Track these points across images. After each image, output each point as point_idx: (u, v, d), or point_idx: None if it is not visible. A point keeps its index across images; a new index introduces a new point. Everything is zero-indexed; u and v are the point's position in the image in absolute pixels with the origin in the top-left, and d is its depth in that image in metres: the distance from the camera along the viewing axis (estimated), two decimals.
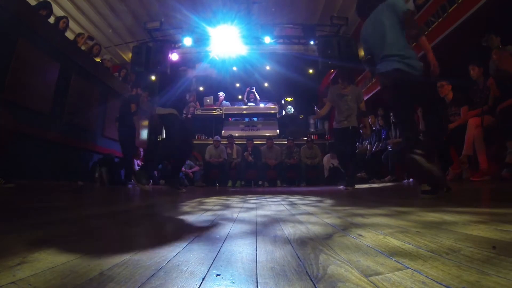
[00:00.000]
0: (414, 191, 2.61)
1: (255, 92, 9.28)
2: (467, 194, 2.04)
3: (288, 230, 0.84)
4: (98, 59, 5.62)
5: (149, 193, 3.19)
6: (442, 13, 3.93)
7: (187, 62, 8.27)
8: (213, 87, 9.75)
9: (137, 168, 5.50)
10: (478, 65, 3.32)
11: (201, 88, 10.22)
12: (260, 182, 6.22)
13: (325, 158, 6.42)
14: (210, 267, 0.49)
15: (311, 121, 8.73)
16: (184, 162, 4.96)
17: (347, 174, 3.76)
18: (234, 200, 2.11)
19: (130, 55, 7.11)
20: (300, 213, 1.24)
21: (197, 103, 9.10)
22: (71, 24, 5.64)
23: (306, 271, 0.46)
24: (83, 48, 5.09)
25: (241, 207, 1.54)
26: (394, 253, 0.55)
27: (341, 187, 3.74)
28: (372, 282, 0.40)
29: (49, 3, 4.38)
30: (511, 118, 2.73)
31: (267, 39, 6.86)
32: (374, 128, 5.66)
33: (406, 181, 3.37)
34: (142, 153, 5.88)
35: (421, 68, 1.86)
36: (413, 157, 1.62)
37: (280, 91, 9.79)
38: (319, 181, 6.31)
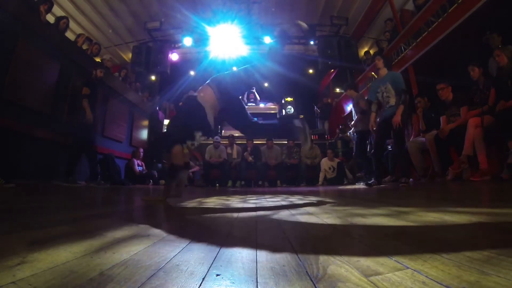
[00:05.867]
0: (414, 191, 2.60)
1: (255, 92, 9.26)
2: (467, 194, 2.03)
3: (288, 230, 0.84)
4: (98, 59, 5.62)
5: (150, 193, 3.19)
6: (442, 13, 3.93)
7: (187, 62, 8.30)
8: None
9: (137, 167, 5.51)
10: (478, 66, 3.33)
11: None
12: (260, 182, 6.22)
13: (323, 161, 6.29)
14: (210, 267, 0.49)
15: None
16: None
17: (366, 171, 4.54)
18: (234, 200, 2.11)
19: (130, 55, 7.14)
20: (300, 213, 1.24)
21: None
22: (71, 24, 5.64)
23: (306, 271, 0.46)
24: (83, 48, 5.09)
25: (241, 207, 1.54)
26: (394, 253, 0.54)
27: (361, 184, 4.34)
28: (372, 282, 0.40)
29: None
30: (511, 118, 2.73)
31: (267, 39, 6.86)
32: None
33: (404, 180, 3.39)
34: (142, 153, 5.89)
35: None
36: None
37: (280, 91, 9.78)
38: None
